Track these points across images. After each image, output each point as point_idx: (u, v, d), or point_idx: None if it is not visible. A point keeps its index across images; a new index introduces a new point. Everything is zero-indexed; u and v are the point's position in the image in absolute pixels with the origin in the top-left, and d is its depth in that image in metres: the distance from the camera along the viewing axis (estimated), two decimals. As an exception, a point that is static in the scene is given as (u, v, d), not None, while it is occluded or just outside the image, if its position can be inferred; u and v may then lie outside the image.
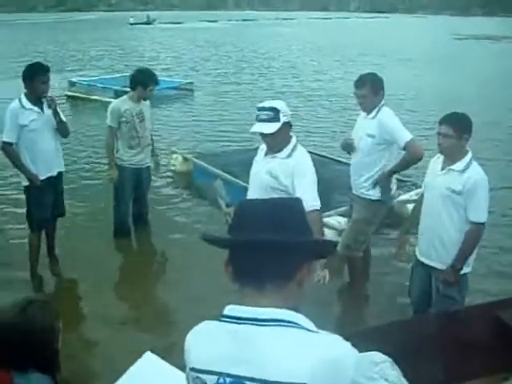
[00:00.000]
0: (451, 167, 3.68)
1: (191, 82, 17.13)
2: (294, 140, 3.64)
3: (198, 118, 13.09)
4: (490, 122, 11.52)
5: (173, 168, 8.33)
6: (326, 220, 5.82)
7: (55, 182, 5.29)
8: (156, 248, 6.30)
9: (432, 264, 3.86)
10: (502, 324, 3.48)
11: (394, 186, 4.84)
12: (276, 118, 3.42)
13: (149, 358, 2.84)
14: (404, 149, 4.46)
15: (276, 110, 3.43)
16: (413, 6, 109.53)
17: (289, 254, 1.34)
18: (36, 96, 4.98)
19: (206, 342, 1.36)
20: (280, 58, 27.30)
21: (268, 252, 1.32)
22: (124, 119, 5.75)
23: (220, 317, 1.36)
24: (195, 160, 7.96)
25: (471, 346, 3.35)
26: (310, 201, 3.39)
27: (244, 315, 1.32)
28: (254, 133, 3.57)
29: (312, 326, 1.34)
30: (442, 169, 3.75)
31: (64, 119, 5.20)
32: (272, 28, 55.47)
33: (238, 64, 24.61)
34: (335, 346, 1.30)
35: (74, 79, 16.92)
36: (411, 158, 4.48)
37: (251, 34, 45.24)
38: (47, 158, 5.13)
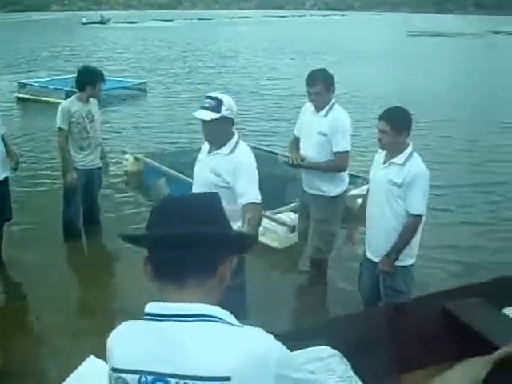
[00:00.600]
0: (392, 160, 3.73)
1: (144, 82, 16.95)
2: (236, 137, 3.62)
3: (150, 118, 12.97)
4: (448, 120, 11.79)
5: (124, 168, 8.22)
6: (277, 216, 5.83)
7: (0, 186, 5.16)
8: (109, 250, 6.19)
9: (376, 259, 3.90)
10: (448, 314, 3.53)
11: (346, 180, 4.86)
12: (217, 109, 3.40)
13: (92, 361, 2.78)
14: (334, 154, 4.54)
15: (219, 102, 3.42)
16: (368, 3, 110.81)
17: (208, 249, 1.33)
18: None
19: (127, 341, 1.34)
20: (236, 57, 27.27)
21: (187, 247, 1.30)
22: (74, 120, 5.64)
23: (143, 315, 1.34)
24: (146, 159, 7.88)
25: (419, 337, 3.39)
26: (251, 194, 3.40)
27: (165, 312, 1.30)
28: (196, 118, 3.55)
29: (235, 321, 1.33)
30: (384, 162, 3.80)
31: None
32: (228, 27, 55.36)
33: (193, 64, 24.47)
34: (258, 340, 1.29)
35: (24, 81, 16.56)
36: (334, 166, 4.62)
37: (207, 33, 45.02)
38: None
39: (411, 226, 3.73)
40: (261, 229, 5.81)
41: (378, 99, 14.00)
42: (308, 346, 3.06)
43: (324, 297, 5.17)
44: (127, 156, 8.36)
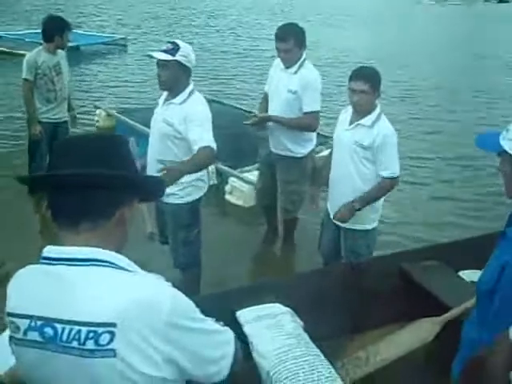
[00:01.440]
0: (359, 122, 3.62)
1: (124, 38, 16.57)
2: (190, 87, 3.58)
3: (126, 74, 12.70)
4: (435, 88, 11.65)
5: (97, 124, 8.07)
6: (244, 175, 5.76)
7: None
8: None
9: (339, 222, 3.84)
10: (404, 274, 3.51)
11: (314, 140, 4.77)
12: (172, 52, 3.44)
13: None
14: (304, 114, 4.44)
15: (176, 46, 3.46)
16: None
17: (102, 192, 1.27)
18: None
19: (22, 285, 1.31)
20: (222, 16, 26.73)
21: (79, 190, 1.25)
22: (40, 72, 5.49)
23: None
24: (118, 115, 7.74)
25: (374, 297, 3.38)
26: (204, 140, 3.36)
27: (58, 256, 1.26)
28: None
29: (131, 266, 1.28)
30: (351, 123, 3.69)
31: None
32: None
33: (178, 21, 23.98)
34: (149, 287, 1.25)
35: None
36: (305, 125, 4.51)
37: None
38: None
39: (386, 187, 3.67)
40: (228, 187, 5.80)
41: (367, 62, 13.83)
42: (261, 303, 3.05)
43: (286, 256, 5.14)
44: (99, 111, 8.18)
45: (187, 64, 3.51)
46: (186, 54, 3.48)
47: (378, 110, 3.63)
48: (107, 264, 1.25)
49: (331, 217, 3.87)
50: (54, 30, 5.50)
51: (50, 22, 5.62)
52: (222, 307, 2.55)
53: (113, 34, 17.76)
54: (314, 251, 4.30)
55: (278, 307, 3.05)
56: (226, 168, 6.00)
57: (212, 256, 4.42)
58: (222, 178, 5.92)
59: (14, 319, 1.29)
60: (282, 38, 4.37)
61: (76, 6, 28.93)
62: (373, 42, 18.83)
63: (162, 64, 3.48)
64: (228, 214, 5.72)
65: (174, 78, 3.51)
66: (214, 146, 3.41)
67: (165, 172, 3.07)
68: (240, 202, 5.49)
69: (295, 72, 4.43)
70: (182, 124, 3.46)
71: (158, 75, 3.58)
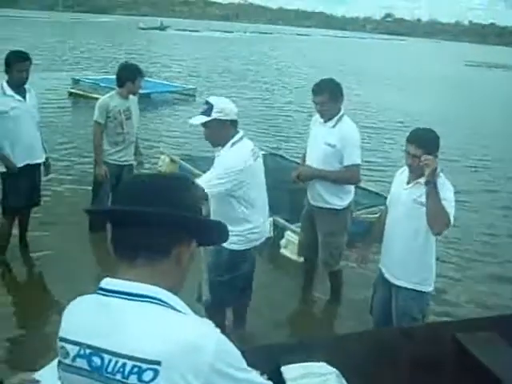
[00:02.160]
0: (419, 180, 3.61)
1: (194, 88, 17.24)
2: (236, 137, 3.67)
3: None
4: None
5: (159, 169, 8.29)
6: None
7: (33, 170, 5.29)
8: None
9: (393, 280, 3.79)
10: (457, 344, 3.40)
11: (352, 192, 4.76)
12: (208, 113, 3.55)
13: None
14: (345, 167, 4.48)
15: (210, 106, 3.55)
16: (431, 30, 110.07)
17: (161, 230, 1.30)
18: (15, 83, 4.97)
19: (75, 312, 1.35)
20: (290, 73, 27.29)
21: (139, 224, 1.29)
22: (111, 115, 5.70)
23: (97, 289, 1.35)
24: (181, 161, 7.94)
25: (424, 364, 3.27)
26: (203, 181, 3.48)
27: (113, 288, 1.30)
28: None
29: (183, 308, 1.31)
30: (408, 182, 3.68)
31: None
32: (287, 43, 55.67)
33: (247, 75, 24.62)
34: (197, 330, 1.26)
35: (77, 77, 17.01)
36: (346, 178, 4.55)
37: (265, 47, 45.36)
38: (26, 146, 5.13)
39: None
40: (283, 240, 5.83)
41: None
42: (307, 361, 3.02)
43: (334, 312, 5.10)
44: (163, 157, 8.43)
45: (225, 118, 3.59)
46: (221, 109, 3.56)
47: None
48: (160, 302, 1.27)
49: (385, 276, 3.83)
50: (127, 76, 5.73)
51: (124, 68, 5.89)
52: (267, 360, 2.54)
53: (183, 84, 18.41)
54: (363, 309, 4.24)
55: (324, 367, 3.00)
56: (282, 221, 6.04)
57: (260, 306, 4.45)
58: (279, 231, 5.95)
59: (65, 344, 1.32)
60: (317, 91, 4.49)
61: (152, 56, 30.34)
62: (441, 106, 18.80)
63: (203, 125, 3.62)
64: (280, 267, 5.73)
65: (216, 135, 3.64)
66: (208, 191, 3.48)
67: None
68: (294, 256, 5.48)
69: (333, 126, 4.50)
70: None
71: (204, 135, 3.74)
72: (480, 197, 8.74)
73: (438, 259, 3.83)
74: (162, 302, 1.28)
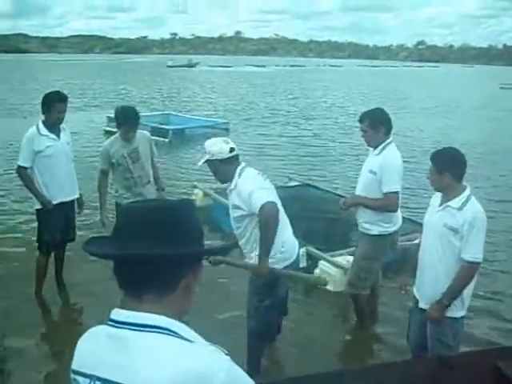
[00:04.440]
0: (448, 203, 3.54)
1: (227, 123, 17.48)
2: (238, 170, 3.87)
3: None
4: None
5: (194, 203, 8.31)
6: (334, 259, 5.71)
7: (67, 207, 5.38)
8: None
9: (427, 305, 3.68)
10: (500, 373, 3.28)
11: (394, 220, 4.70)
12: (204, 155, 3.93)
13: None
14: (383, 194, 4.49)
15: (204, 149, 3.92)
16: (463, 55, 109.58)
17: (166, 266, 1.29)
18: (51, 123, 5.09)
19: (87, 344, 1.35)
20: (322, 106, 27.38)
21: (143, 264, 1.28)
22: (114, 161, 5.36)
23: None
24: (215, 195, 7.95)
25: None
26: (261, 200, 3.63)
27: (124, 319, 1.29)
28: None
29: (191, 336, 1.29)
30: (440, 205, 3.62)
31: None
32: (320, 75, 55.91)
33: (282, 109, 24.79)
34: (205, 358, 1.24)
35: (112, 115, 17.35)
36: (383, 206, 4.53)
37: (299, 80, 45.53)
38: (60, 183, 5.22)
39: (466, 273, 3.51)
40: (317, 270, 5.76)
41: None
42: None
43: (368, 342, 5.01)
44: (197, 191, 8.49)
45: (217, 157, 3.84)
46: (209, 150, 3.87)
47: (467, 192, 3.55)
48: (168, 332, 1.26)
49: (419, 304, 3.74)
50: (120, 121, 5.35)
51: (120, 111, 5.41)
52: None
53: (216, 118, 18.68)
54: (399, 336, 4.15)
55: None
56: (316, 251, 5.97)
57: (291, 335, 4.46)
58: (312, 260, 5.89)
59: (77, 377, 1.33)
60: (360, 119, 4.66)
61: (186, 94, 30.94)
62: (486, 134, 18.59)
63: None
64: (313, 297, 5.67)
65: (218, 173, 3.96)
66: (270, 203, 3.65)
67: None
68: (328, 287, 5.39)
69: (378, 154, 4.54)
70: (242, 203, 3.80)
71: None
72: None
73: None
74: (172, 332, 1.26)
